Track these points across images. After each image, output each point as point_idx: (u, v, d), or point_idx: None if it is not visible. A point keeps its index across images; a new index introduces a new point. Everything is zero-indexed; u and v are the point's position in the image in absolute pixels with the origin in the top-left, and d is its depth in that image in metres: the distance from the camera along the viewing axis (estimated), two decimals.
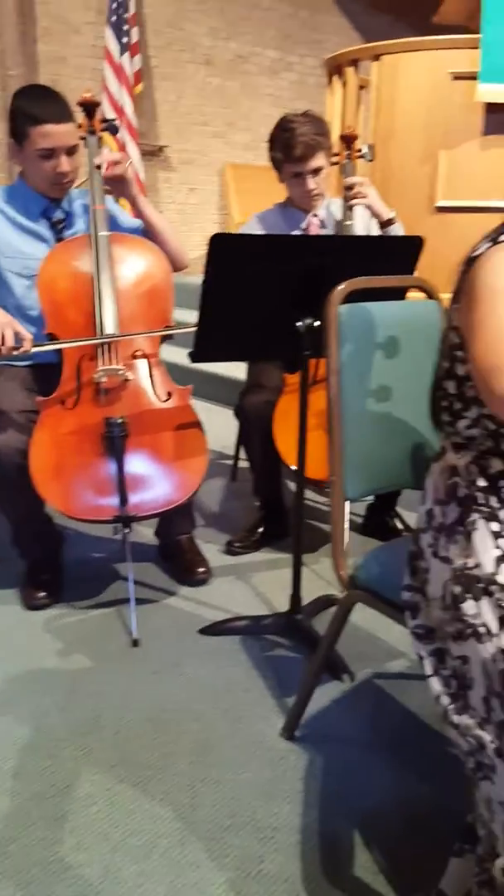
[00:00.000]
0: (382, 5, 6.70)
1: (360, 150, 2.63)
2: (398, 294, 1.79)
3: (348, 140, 2.62)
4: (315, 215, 2.48)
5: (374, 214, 2.43)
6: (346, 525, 2.44)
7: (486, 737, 0.98)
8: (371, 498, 2.61)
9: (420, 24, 4.50)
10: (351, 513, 2.57)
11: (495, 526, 1.04)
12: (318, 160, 2.33)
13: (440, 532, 1.12)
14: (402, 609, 1.18)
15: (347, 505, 2.51)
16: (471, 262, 1.05)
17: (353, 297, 1.45)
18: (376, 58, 3.84)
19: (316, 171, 2.35)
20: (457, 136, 3.63)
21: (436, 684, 1.07)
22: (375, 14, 6.81)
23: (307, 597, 1.99)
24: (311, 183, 2.37)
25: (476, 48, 3.45)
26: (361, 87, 4.09)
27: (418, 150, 3.74)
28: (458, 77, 3.58)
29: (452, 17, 3.85)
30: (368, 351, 1.45)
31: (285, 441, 2.25)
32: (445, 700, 1.05)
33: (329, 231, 2.48)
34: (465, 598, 1.02)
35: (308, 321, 1.78)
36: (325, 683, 1.74)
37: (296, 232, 2.48)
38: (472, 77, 3.45)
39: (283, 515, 2.53)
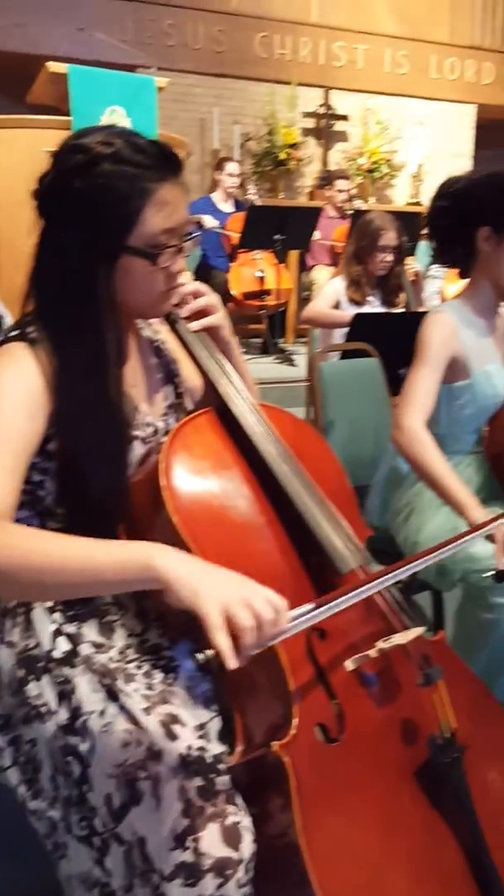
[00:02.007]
0: None
1: None
2: None
3: None
4: None
5: None
6: None
7: (56, 815, 0.98)
8: None
9: (22, 100, 4.57)
10: None
11: (49, 602, 1.06)
12: None
13: (4, 617, 1.11)
14: None
15: None
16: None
17: None
18: None
19: None
20: None
21: (14, 775, 1.05)
22: None
23: None
24: None
25: (69, 129, 3.63)
26: None
27: (25, 224, 3.78)
28: None
29: (43, 98, 3.99)
30: None
31: None
32: (22, 789, 1.04)
33: None
34: (28, 681, 1.03)
35: None
36: None
37: None
38: None
39: None
